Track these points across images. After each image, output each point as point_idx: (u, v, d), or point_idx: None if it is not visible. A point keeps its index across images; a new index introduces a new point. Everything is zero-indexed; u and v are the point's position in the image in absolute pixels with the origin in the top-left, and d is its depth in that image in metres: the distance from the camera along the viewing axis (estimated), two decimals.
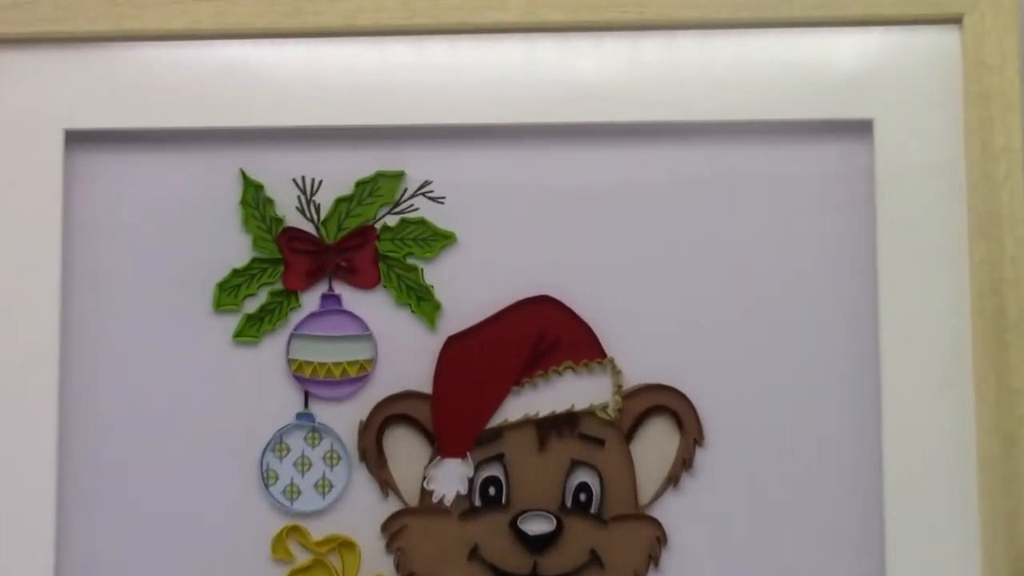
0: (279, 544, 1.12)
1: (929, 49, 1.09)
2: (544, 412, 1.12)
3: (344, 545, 1.12)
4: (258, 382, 1.14)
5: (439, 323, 1.13)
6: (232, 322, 1.14)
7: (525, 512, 1.10)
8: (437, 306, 1.13)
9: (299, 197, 1.14)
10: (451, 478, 1.12)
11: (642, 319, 1.13)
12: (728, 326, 1.12)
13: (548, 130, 1.13)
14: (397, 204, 1.14)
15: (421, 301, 1.13)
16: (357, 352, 1.13)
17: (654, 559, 1.09)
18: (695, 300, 1.13)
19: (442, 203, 1.14)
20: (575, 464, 1.11)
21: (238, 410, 1.14)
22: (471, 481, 1.11)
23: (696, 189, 1.13)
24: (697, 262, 1.13)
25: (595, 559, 1.09)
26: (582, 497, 1.11)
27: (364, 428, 1.13)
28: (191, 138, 1.13)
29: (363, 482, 1.13)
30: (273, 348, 1.14)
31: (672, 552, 1.11)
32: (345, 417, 1.14)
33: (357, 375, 1.12)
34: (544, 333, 1.12)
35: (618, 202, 1.13)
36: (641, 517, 1.11)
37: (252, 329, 1.14)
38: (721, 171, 1.13)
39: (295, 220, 1.15)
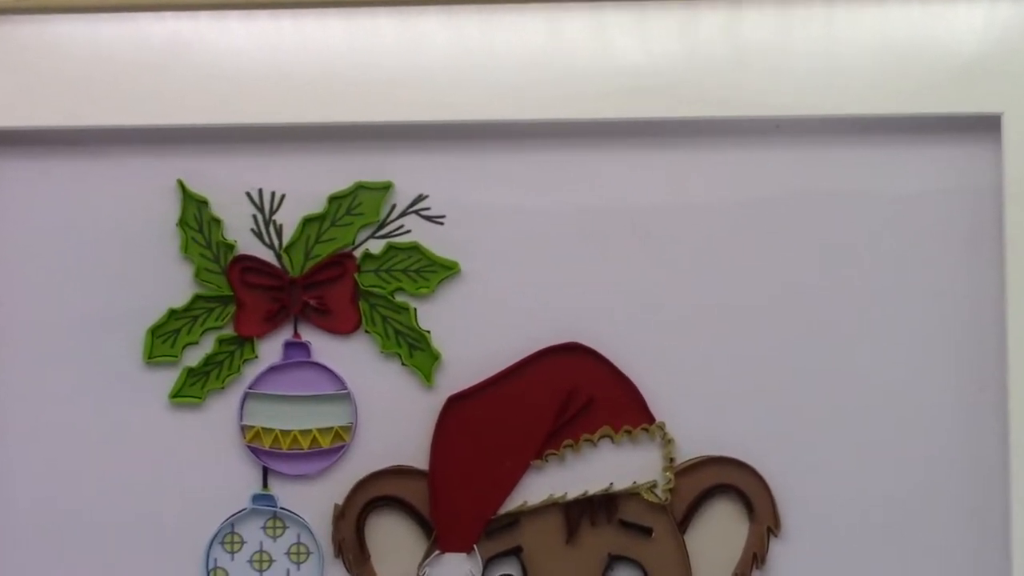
0: None
1: None
2: (574, 493, 0.95)
3: None
4: (202, 455, 0.98)
5: (437, 378, 0.98)
6: (169, 378, 0.99)
7: None
8: (435, 356, 0.97)
9: (255, 216, 0.99)
10: None
11: (699, 373, 0.97)
12: (812, 381, 0.97)
13: (578, 129, 0.97)
14: (382, 225, 0.99)
15: (414, 350, 0.98)
16: (331, 416, 0.97)
17: None
18: (768, 348, 0.97)
19: (441, 223, 0.99)
20: (614, 561, 0.95)
21: (177, 492, 0.98)
22: None
23: (769, 205, 0.98)
24: (772, 298, 0.97)
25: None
26: None
27: (341, 515, 0.97)
28: (114, 140, 0.99)
29: None
30: (222, 411, 0.99)
31: None
32: (316, 500, 0.98)
33: (331, 446, 0.97)
34: (574, 391, 0.96)
35: (669, 223, 0.98)
36: None
37: (195, 387, 0.98)
38: (801, 182, 0.98)
39: (250, 246, 0.99)
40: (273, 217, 0.99)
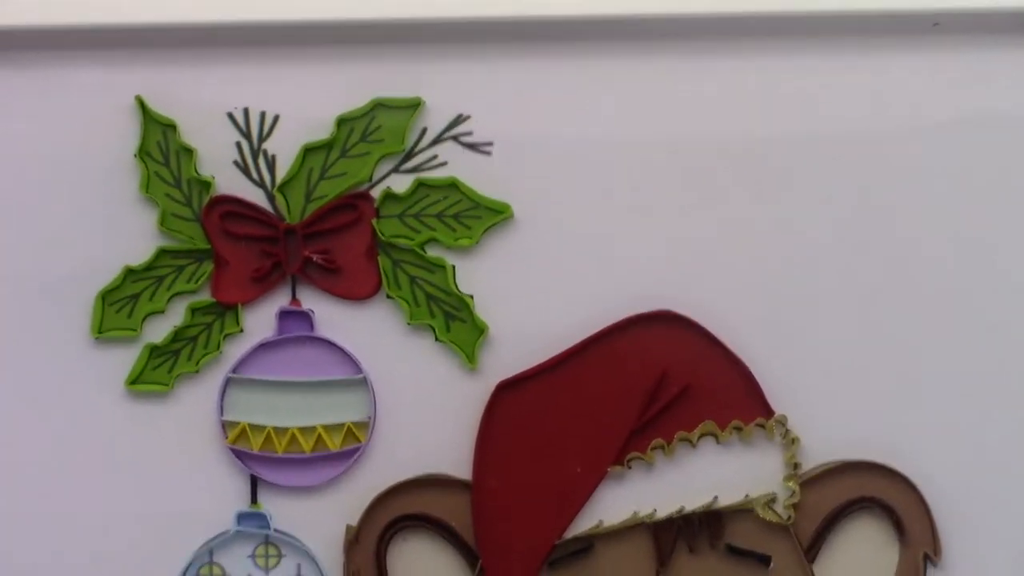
0: None
1: None
2: (666, 510, 0.89)
3: None
4: (170, 461, 0.92)
5: (483, 359, 0.91)
6: (126, 358, 0.92)
7: None
8: (479, 330, 0.91)
9: (239, 144, 0.92)
10: None
11: (829, 353, 0.91)
12: (980, 366, 0.92)
13: (666, 27, 0.91)
14: (409, 156, 0.92)
15: (452, 322, 0.91)
16: (342, 410, 0.91)
17: None
18: (922, 322, 0.91)
19: (487, 153, 0.92)
20: None
21: (137, 509, 0.92)
22: None
23: (925, 133, 0.91)
24: (929, 258, 0.92)
25: None
26: None
27: (355, 539, 0.90)
28: (54, 44, 0.93)
29: None
30: (196, 403, 0.93)
31: None
32: (322, 521, 0.92)
33: (342, 448, 0.90)
34: (666, 374, 0.89)
35: (786, 158, 0.91)
36: None
37: (160, 371, 0.92)
38: (966, 100, 0.91)
39: (233, 184, 0.93)
40: (264, 146, 0.92)
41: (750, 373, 0.89)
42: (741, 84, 0.91)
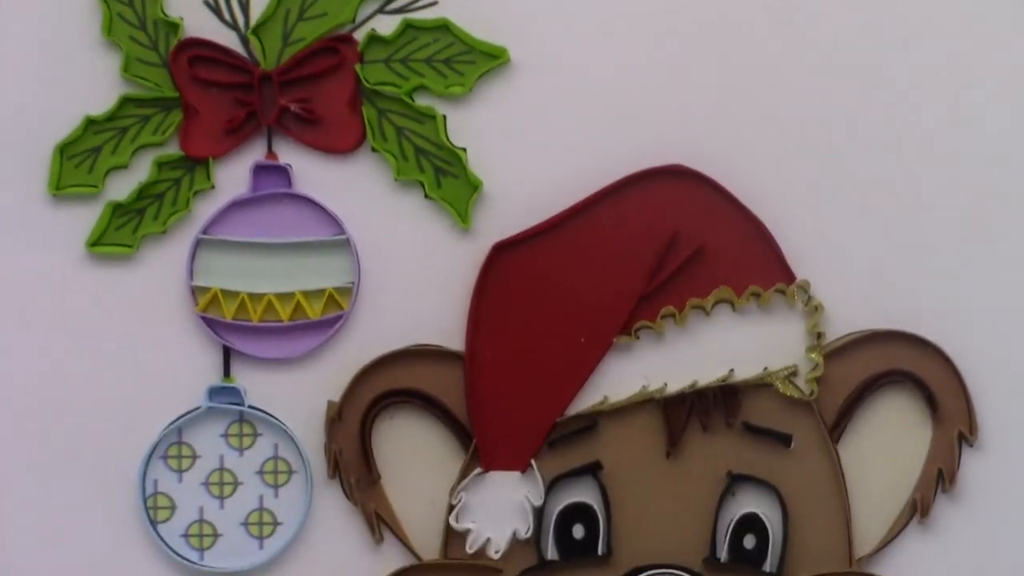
0: None
1: None
2: (677, 385, 0.87)
3: None
4: (135, 331, 0.90)
5: (477, 218, 0.89)
6: (87, 217, 0.90)
7: (642, 571, 0.87)
8: (473, 186, 0.89)
9: None
10: (502, 510, 0.88)
11: (857, 212, 0.88)
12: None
13: None
14: None
15: (443, 177, 0.89)
16: (323, 274, 0.89)
17: None
18: (958, 182, 0.88)
19: None
20: (735, 482, 0.87)
21: (98, 383, 0.90)
22: (540, 514, 0.88)
23: None
24: (970, 116, 0.88)
25: None
26: (748, 543, 0.88)
27: (338, 416, 0.89)
28: None
29: (335, 517, 0.91)
30: (163, 267, 0.90)
31: None
32: (300, 396, 0.90)
33: (323, 317, 0.88)
34: (678, 236, 0.87)
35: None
36: None
37: (123, 231, 0.90)
38: None
39: (203, 25, 0.90)
40: None
41: (769, 234, 0.86)
42: None
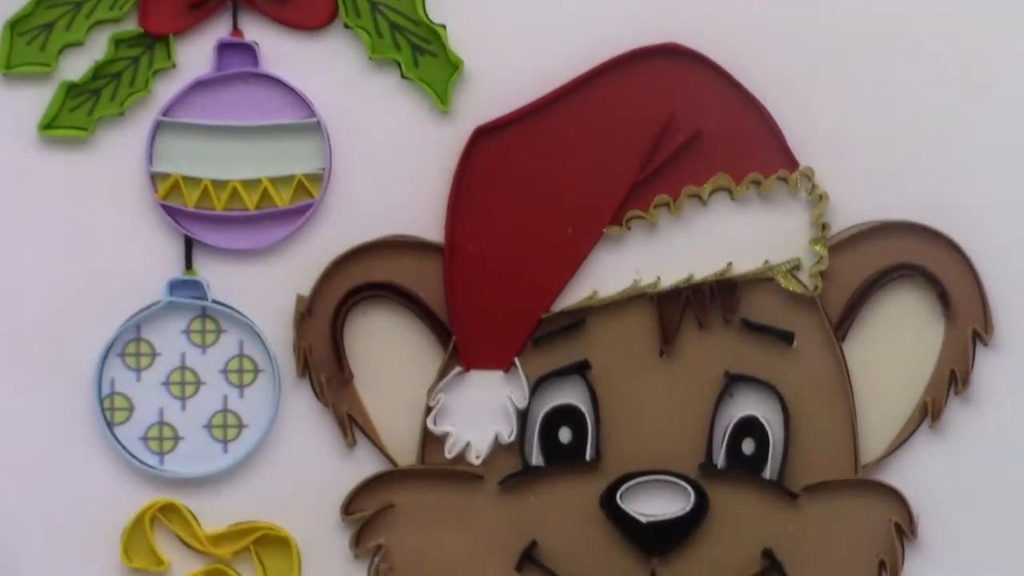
0: (136, 539, 0.87)
1: None
2: (672, 279, 0.84)
3: (266, 542, 0.87)
4: (89, 219, 0.87)
5: (457, 100, 0.86)
6: (39, 98, 0.86)
7: (633, 477, 0.84)
8: (453, 66, 0.85)
9: None
10: (484, 412, 0.86)
11: (866, 92, 0.85)
12: None
13: None
14: None
15: (420, 56, 0.85)
16: (292, 159, 0.85)
17: (889, 568, 0.84)
18: (970, 57, 0.85)
19: None
20: (733, 382, 0.85)
21: (48, 274, 0.87)
22: (524, 417, 0.86)
23: None
24: None
25: (773, 567, 0.85)
26: (746, 448, 0.85)
27: (308, 311, 0.86)
28: None
29: (305, 419, 0.88)
30: (120, 151, 0.87)
31: (927, 549, 0.85)
32: (267, 290, 0.87)
33: (292, 205, 0.85)
34: (673, 119, 0.84)
35: None
36: (865, 487, 0.86)
37: (78, 113, 0.86)
38: None
39: None
40: None
41: (771, 118, 0.83)
42: None
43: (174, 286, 0.84)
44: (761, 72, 0.85)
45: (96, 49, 0.85)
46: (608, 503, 0.83)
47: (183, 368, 0.85)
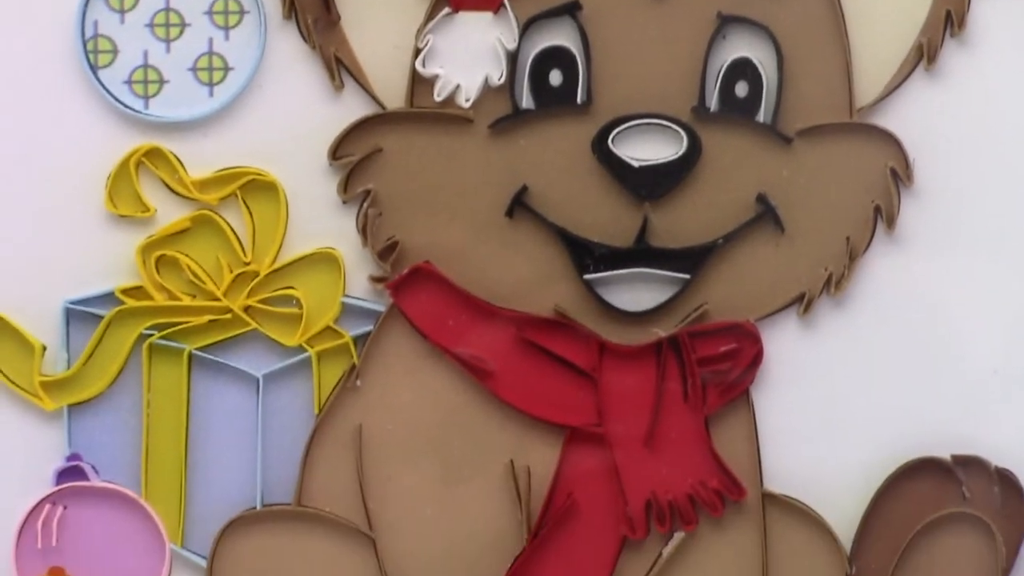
0: (121, 185, 0.84)
1: None
2: None
3: (253, 187, 0.85)
4: None
5: None
6: None
7: (625, 121, 0.82)
8: None
9: None
10: (473, 53, 0.83)
11: None
12: None
13: None
14: None
15: None
16: None
17: (885, 212, 0.82)
18: None
19: None
20: (727, 23, 0.82)
21: None
22: (514, 58, 0.83)
23: None
24: None
25: (767, 211, 0.82)
26: (740, 91, 0.83)
27: None
28: None
29: (291, 61, 0.85)
30: None
31: (922, 193, 0.83)
32: None
33: None
34: None
35: None
36: (860, 130, 0.83)
37: None
38: None
39: None
40: None
41: None
42: None
43: None
44: None
45: None
46: (600, 147, 0.80)
47: (167, 10, 0.82)
